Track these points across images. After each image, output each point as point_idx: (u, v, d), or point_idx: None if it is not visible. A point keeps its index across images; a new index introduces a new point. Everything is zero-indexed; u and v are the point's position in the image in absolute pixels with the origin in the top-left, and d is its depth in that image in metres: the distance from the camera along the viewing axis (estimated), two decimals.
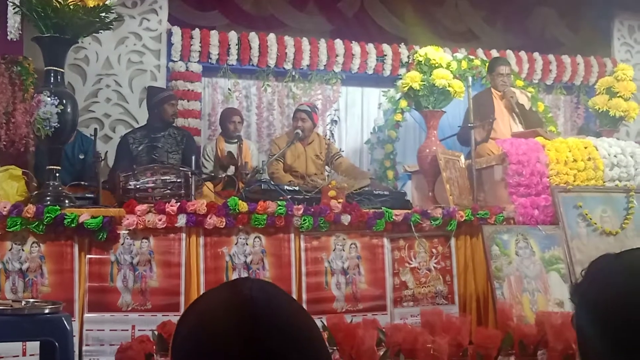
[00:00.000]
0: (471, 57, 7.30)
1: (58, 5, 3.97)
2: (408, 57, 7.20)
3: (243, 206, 4.31)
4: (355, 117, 7.74)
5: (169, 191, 4.45)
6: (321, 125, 7.01)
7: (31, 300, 3.40)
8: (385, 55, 7.25)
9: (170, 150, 5.68)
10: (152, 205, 4.22)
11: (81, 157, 5.66)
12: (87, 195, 4.60)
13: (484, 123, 5.61)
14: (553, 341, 4.03)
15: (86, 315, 4.00)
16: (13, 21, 4.10)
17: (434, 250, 4.75)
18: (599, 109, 6.31)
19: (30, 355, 3.63)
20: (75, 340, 3.66)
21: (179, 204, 4.21)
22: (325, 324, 4.05)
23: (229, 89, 7.04)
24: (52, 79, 4.18)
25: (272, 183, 5.01)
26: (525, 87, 7.11)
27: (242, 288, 1.11)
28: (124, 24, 6.25)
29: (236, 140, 6.13)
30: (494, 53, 7.56)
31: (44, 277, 3.97)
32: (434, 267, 4.73)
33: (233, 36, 6.79)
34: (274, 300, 1.11)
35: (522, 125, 5.82)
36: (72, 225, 3.96)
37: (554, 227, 5.02)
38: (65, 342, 2.83)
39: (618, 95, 6.27)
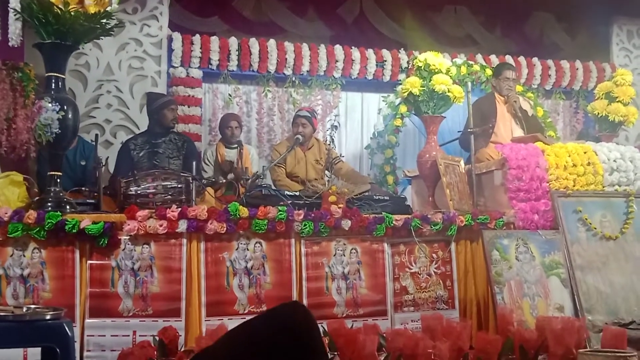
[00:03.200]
0: (470, 62, 7.32)
1: (59, 11, 3.98)
2: (408, 62, 7.22)
3: (244, 211, 4.32)
4: (355, 122, 7.75)
5: (169, 197, 4.45)
6: (321, 130, 7.03)
7: (32, 306, 3.39)
8: (385, 60, 7.27)
9: (171, 156, 5.68)
10: (153, 210, 4.23)
11: (82, 163, 5.67)
12: (88, 201, 4.59)
13: (483, 128, 5.62)
14: (553, 346, 4.03)
15: (87, 320, 4.00)
16: (14, 27, 4.11)
17: (434, 255, 4.76)
18: (598, 114, 6.32)
19: None
20: (77, 346, 3.66)
21: (179, 209, 4.22)
22: (326, 329, 4.06)
23: (229, 94, 7.06)
24: (53, 85, 4.19)
25: (273, 188, 5.02)
26: (524, 92, 7.12)
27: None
28: (124, 30, 6.28)
29: (236, 145, 6.14)
30: (493, 58, 7.58)
31: (45, 283, 3.97)
32: (434, 272, 4.73)
33: (233, 42, 6.81)
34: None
35: (524, 131, 5.84)
36: (73, 231, 3.97)
37: (554, 231, 5.02)
38: (66, 348, 2.83)
39: (617, 100, 6.28)
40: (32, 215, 3.93)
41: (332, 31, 7.69)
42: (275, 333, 1.14)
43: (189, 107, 6.59)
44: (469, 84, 5.70)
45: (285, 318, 1.16)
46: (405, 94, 5.29)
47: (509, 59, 7.63)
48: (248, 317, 1.27)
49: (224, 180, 5.69)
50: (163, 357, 3.77)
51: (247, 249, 4.35)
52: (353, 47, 7.22)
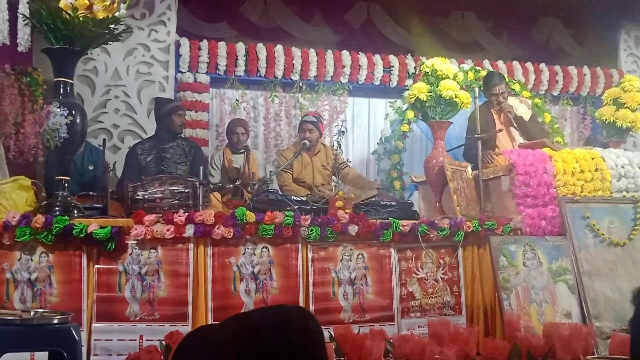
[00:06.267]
0: (478, 68, 7.31)
1: (68, 17, 4.00)
2: (415, 68, 7.22)
3: (250, 216, 4.33)
4: (362, 127, 7.75)
5: (177, 201, 4.46)
6: (328, 135, 7.03)
7: (40, 310, 3.41)
8: (392, 66, 7.26)
9: (178, 161, 5.70)
10: (160, 215, 4.24)
11: (90, 167, 5.68)
12: (95, 205, 4.61)
13: (489, 134, 5.61)
14: (561, 352, 4.02)
15: (94, 325, 4.01)
16: (23, 33, 4.13)
17: (441, 260, 4.75)
18: (606, 119, 6.30)
19: None
20: (84, 350, 3.66)
21: (187, 214, 4.23)
22: (333, 334, 4.06)
23: (236, 99, 7.07)
24: (61, 90, 4.22)
25: (280, 193, 5.02)
26: (531, 98, 7.11)
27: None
28: (132, 35, 6.29)
29: (243, 150, 6.15)
30: (500, 64, 7.57)
31: (52, 287, 3.98)
32: (441, 277, 4.72)
33: (241, 47, 6.82)
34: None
35: (523, 138, 5.80)
36: (81, 235, 3.98)
37: (562, 238, 5.01)
38: (73, 352, 2.84)
39: (625, 106, 6.26)
40: (39, 219, 3.94)
41: (339, 37, 7.69)
42: (277, 333, 1.15)
43: (196, 112, 6.60)
44: (476, 89, 5.68)
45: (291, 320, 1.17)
46: (413, 99, 5.29)
47: (516, 64, 7.62)
48: None
49: (231, 186, 5.69)
50: None
51: (254, 254, 4.35)
52: (360, 53, 7.22)
